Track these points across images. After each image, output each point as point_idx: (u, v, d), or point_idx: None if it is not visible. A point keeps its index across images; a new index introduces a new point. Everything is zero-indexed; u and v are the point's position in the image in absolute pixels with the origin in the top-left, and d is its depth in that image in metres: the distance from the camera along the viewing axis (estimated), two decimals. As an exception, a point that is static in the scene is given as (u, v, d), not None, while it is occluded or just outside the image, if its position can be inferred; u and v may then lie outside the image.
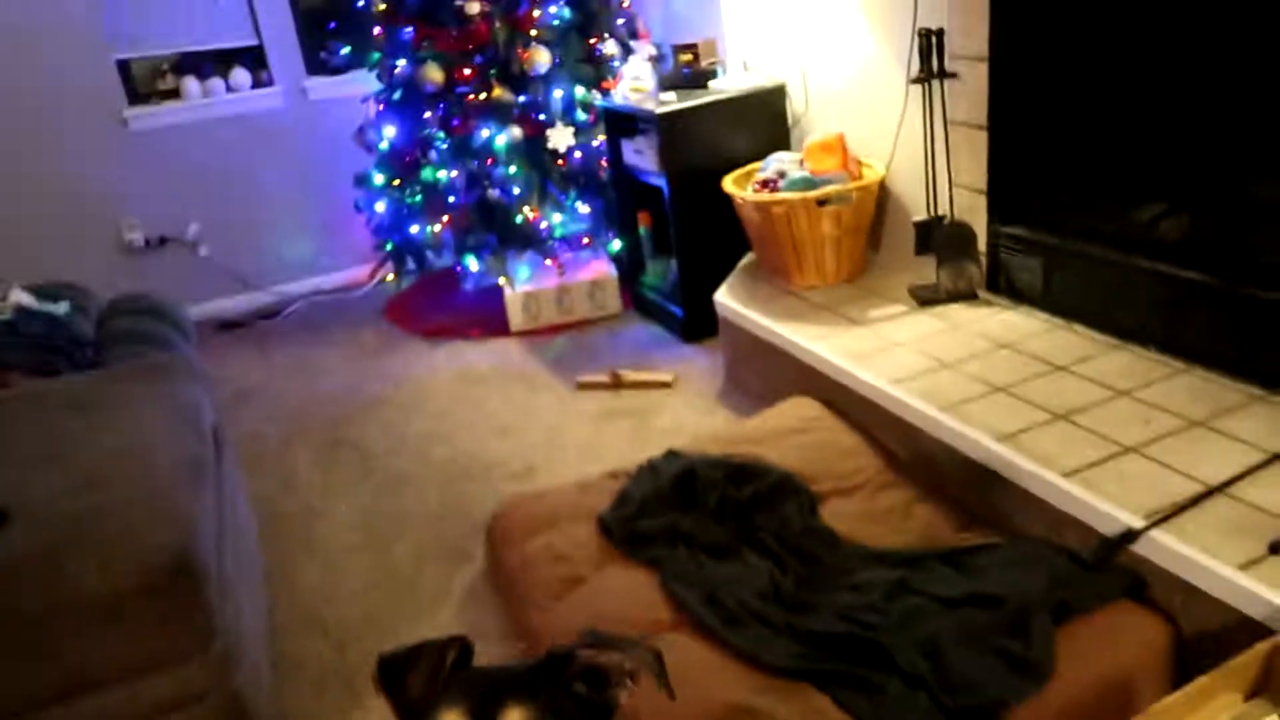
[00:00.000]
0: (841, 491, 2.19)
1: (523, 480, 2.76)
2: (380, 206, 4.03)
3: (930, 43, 2.61)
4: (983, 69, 2.54)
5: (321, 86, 4.56)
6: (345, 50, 4.44)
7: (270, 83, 4.49)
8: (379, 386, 3.54)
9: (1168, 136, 2.21)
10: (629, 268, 3.87)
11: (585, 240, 3.89)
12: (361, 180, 4.05)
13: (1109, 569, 1.71)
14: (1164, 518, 1.68)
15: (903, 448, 2.30)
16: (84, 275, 4.17)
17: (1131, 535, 1.67)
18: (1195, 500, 1.71)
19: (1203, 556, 1.59)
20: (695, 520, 2.10)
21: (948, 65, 2.62)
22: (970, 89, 2.59)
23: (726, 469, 2.24)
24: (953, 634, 1.66)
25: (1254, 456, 1.80)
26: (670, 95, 3.34)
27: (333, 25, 4.36)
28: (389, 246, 4.08)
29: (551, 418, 3.11)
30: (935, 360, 2.40)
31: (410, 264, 4.05)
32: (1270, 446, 1.82)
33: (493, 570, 2.28)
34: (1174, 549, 1.63)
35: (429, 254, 4.02)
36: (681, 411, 3.02)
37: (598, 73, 3.89)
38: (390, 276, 4.11)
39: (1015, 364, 2.31)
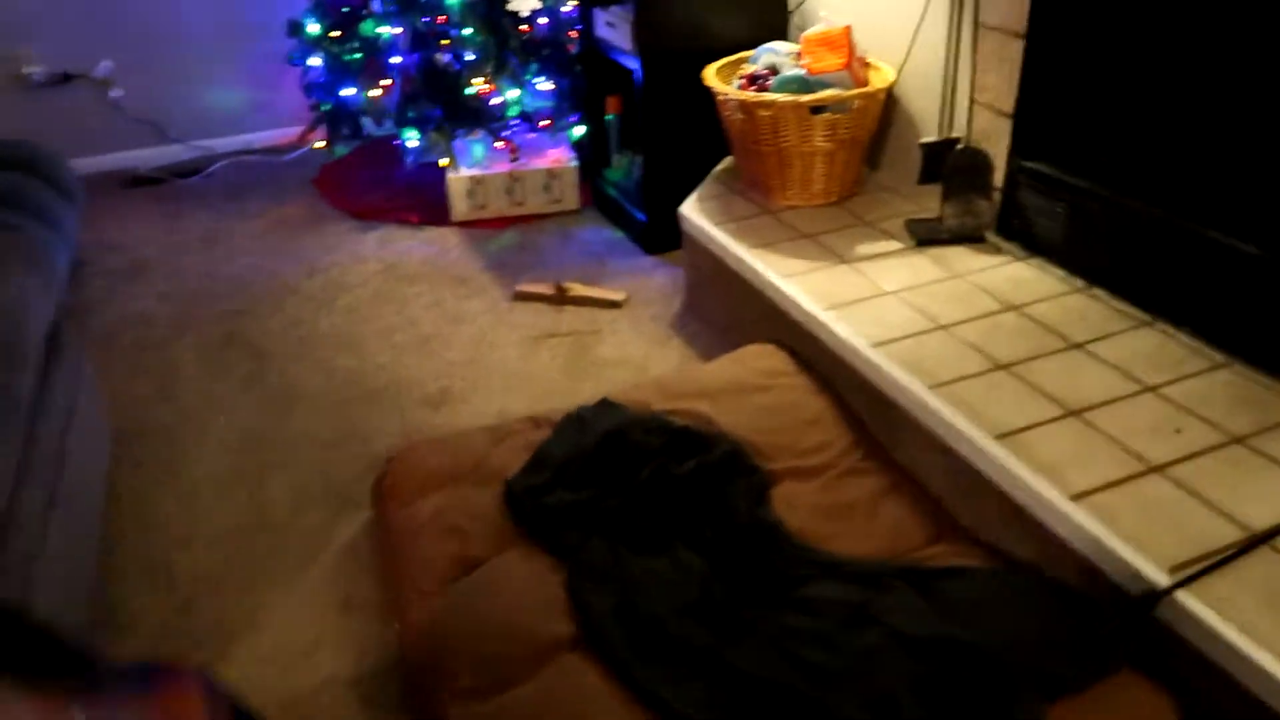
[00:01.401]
0: (800, 473, 1.83)
1: (435, 407, 2.38)
2: (315, 61, 3.49)
3: (969, -77, 2.12)
4: (1029, -37, 2.06)
5: (259, -90, 3.93)
6: None
7: (196, -100, 3.85)
8: (293, 271, 3.10)
9: (1237, 75, 1.76)
10: (592, 159, 3.39)
11: (544, 122, 3.39)
12: (295, 28, 3.50)
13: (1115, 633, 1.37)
14: (1194, 575, 1.33)
15: (877, 423, 1.93)
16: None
17: (1153, 598, 1.32)
18: (1234, 552, 1.37)
19: (1236, 635, 1.25)
20: (621, 499, 1.74)
21: (987, -46, 2.14)
22: (1010, -13, 2.12)
23: (666, 433, 1.87)
24: (913, 695, 1.32)
25: (1309, 496, 1.45)
26: (652, -41, 2.81)
27: None
28: (324, 108, 3.57)
29: (480, 330, 2.70)
30: (928, 319, 2.01)
31: (345, 131, 3.54)
32: (1330, 485, 1.47)
33: (379, 528, 1.92)
34: (1200, 617, 1.29)
35: (366, 122, 3.51)
36: (629, 339, 2.62)
37: (575, -77, 3.32)
38: (321, 143, 3.61)
39: (1023, 333, 1.93)
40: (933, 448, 1.76)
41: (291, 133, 4.24)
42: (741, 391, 2.04)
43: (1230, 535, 1.40)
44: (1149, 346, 1.86)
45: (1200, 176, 1.86)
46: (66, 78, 3.91)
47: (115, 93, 4.00)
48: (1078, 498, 1.49)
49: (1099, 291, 2.05)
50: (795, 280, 2.21)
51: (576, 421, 1.96)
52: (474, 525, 1.72)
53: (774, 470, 1.83)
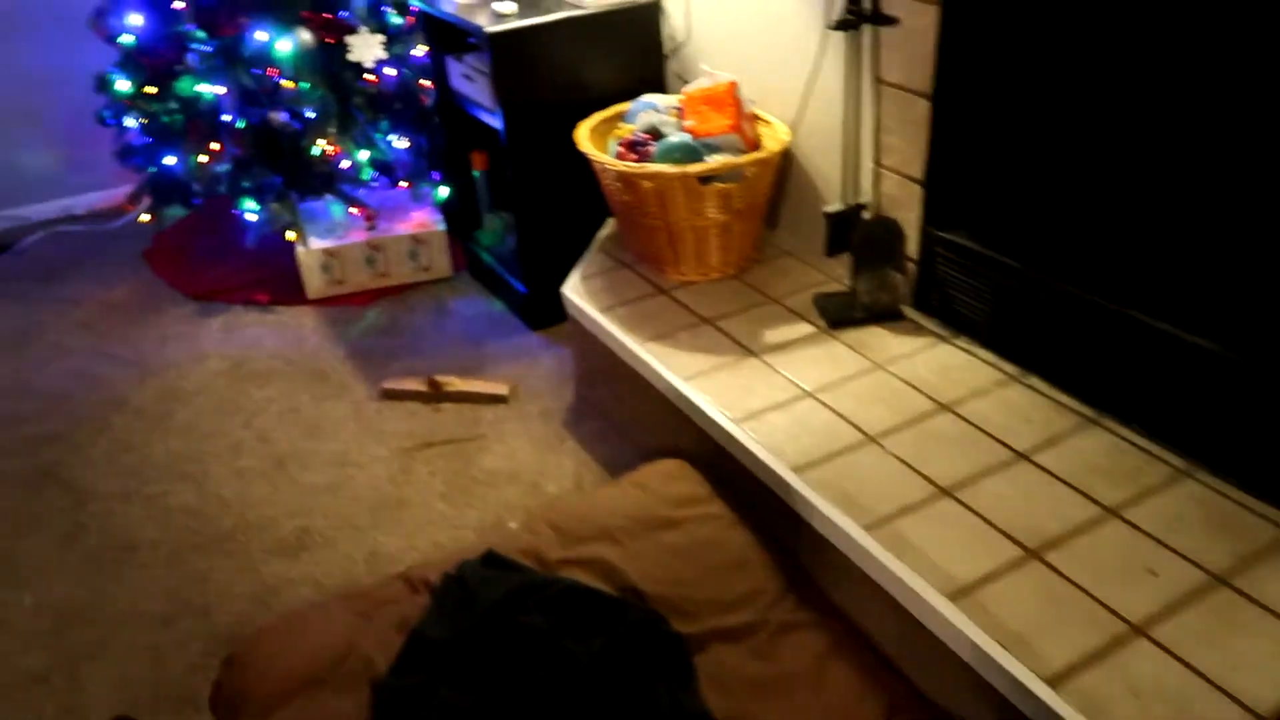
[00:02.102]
0: (727, 634, 1.57)
1: (292, 556, 2.03)
2: (130, 122, 3.04)
3: (863, -29, 1.88)
4: (932, 14, 1.83)
5: (56, -55, 3.42)
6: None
7: (-24, -63, 3.32)
8: (121, 377, 2.67)
9: (1195, 136, 1.57)
10: (461, 220, 3.05)
11: (403, 183, 3.04)
12: (103, 84, 3.04)
13: None
14: (1210, 793, 1.12)
15: (810, 557, 1.68)
16: None
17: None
18: (1247, 751, 1.16)
19: None
20: (517, 700, 1.44)
21: (884, 5, 1.90)
22: (912, 40, 1.89)
23: (566, 601, 1.57)
24: None
25: (1313, 658, 1.26)
26: (509, 5, 2.49)
27: None
28: (150, 173, 3.12)
29: (344, 445, 2.35)
30: (854, 428, 1.77)
31: (173, 201, 3.10)
32: (1332, 639, 1.28)
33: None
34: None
35: (196, 190, 3.08)
36: (517, 444, 2.31)
37: (419, -42, 2.96)
38: (145, 218, 3.16)
39: (961, 442, 1.71)
40: (877, 597, 1.52)
41: (118, 193, 3.75)
42: (650, 528, 1.76)
43: (1236, 722, 1.20)
44: (1099, 452, 1.66)
45: (1145, 259, 1.66)
46: None
47: (-103, 164, 3.45)
48: (1057, 680, 1.27)
49: (1035, 380, 1.85)
50: (699, 383, 1.94)
51: (457, 589, 1.64)
52: (338, 758, 1.39)
53: (696, 634, 1.56)
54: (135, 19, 2.88)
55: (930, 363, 1.93)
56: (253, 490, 2.21)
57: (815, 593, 1.65)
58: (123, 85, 2.96)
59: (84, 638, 1.86)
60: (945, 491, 1.60)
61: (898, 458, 1.69)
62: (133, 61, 2.95)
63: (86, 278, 3.25)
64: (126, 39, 2.93)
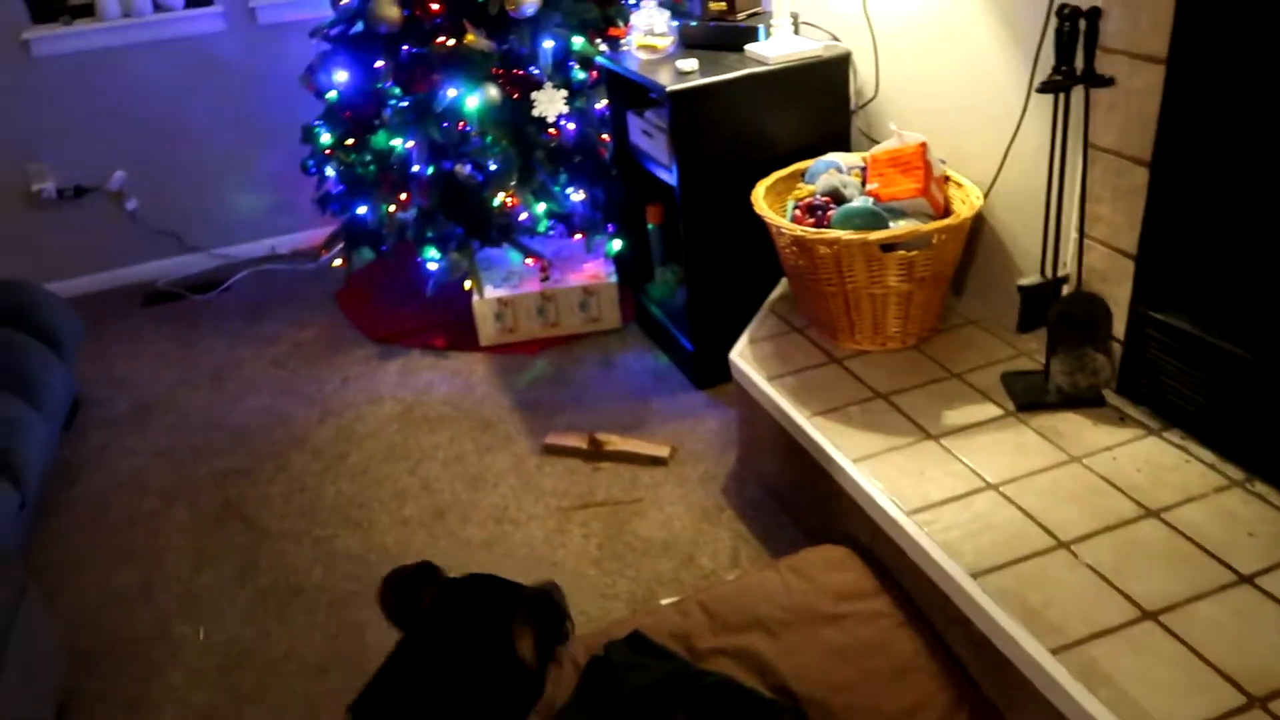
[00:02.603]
0: (887, 752, 1.43)
1: (447, 611, 2.02)
2: (330, 171, 3.21)
3: (1075, 28, 1.72)
4: (1155, 75, 1.65)
5: (274, 8, 3.69)
6: (300, -36, 3.58)
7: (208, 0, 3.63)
8: (304, 416, 2.80)
9: None
10: (633, 272, 3.04)
11: (578, 235, 3.06)
12: (308, 135, 3.23)
13: None
14: None
15: (986, 674, 1.51)
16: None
17: None
18: None
19: None
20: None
21: (1099, 65, 1.73)
22: (1131, 103, 1.71)
23: (712, 700, 1.48)
24: None
25: None
26: (691, 62, 2.45)
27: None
28: (344, 219, 3.28)
29: (503, 499, 2.35)
30: (1043, 530, 1.59)
31: (364, 247, 3.24)
32: None
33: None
34: None
35: (384, 236, 3.20)
36: (674, 510, 2.24)
37: (605, 14, 2.99)
38: (338, 262, 3.32)
39: (1171, 557, 1.50)
40: (1063, 733, 1.34)
41: (317, 235, 3.98)
42: (809, 621, 1.64)
43: None
44: (1345, 581, 1.42)
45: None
46: (79, 191, 3.71)
47: (130, 204, 3.79)
48: None
49: (1262, 487, 1.61)
50: (869, 466, 1.80)
51: (602, 675, 1.58)
52: None
53: (854, 749, 1.43)
54: (341, 75, 3.05)
55: (1136, 458, 1.72)
56: (414, 540, 2.24)
57: (990, 712, 1.49)
58: (325, 137, 3.13)
59: (247, 679, 1.92)
60: (1150, 615, 1.40)
61: (1094, 569, 1.50)
62: (335, 115, 3.12)
63: (283, 316, 3.45)
64: (331, 94, 3.10)
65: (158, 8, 3.58)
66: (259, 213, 3.98)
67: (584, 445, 2.45)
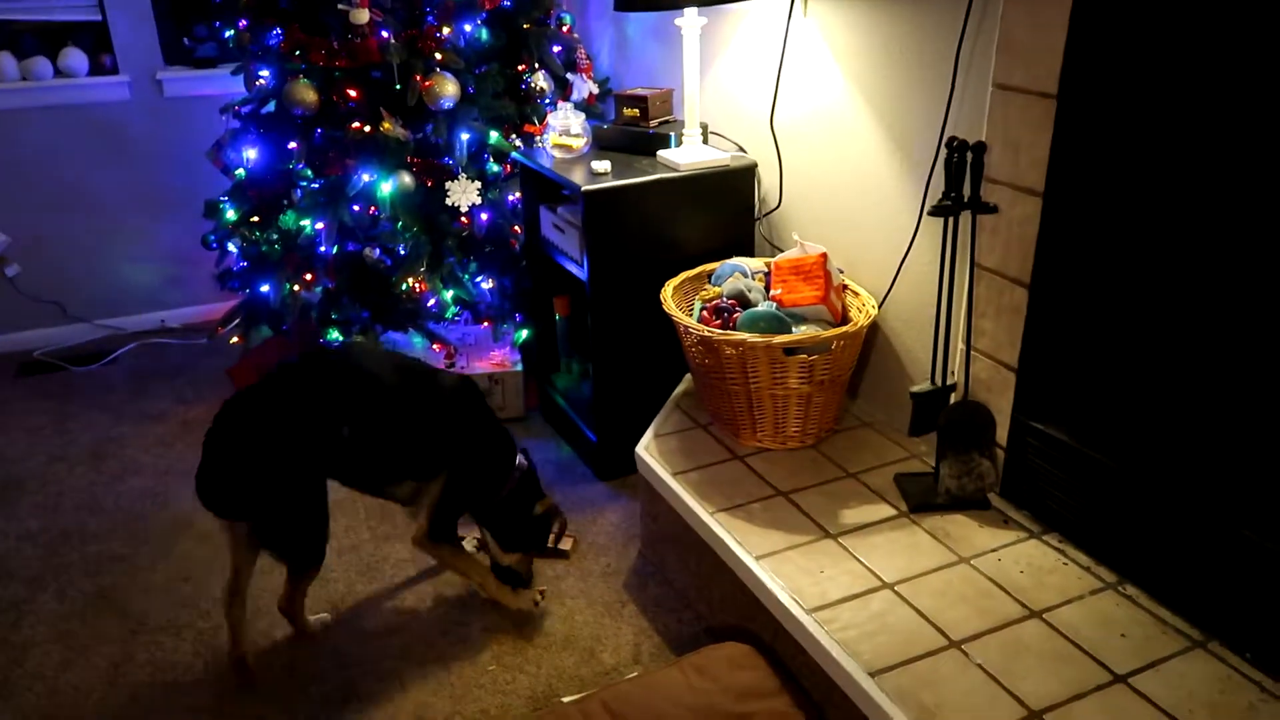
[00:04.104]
0: None
1: (336, 709, 1.95)
2: (232, 248, 3.16)
3: (964, 159, 1.87)
4: (1033, 205, 1.80)
5: (182, 82, 3.67)
6: (212, 41, 3.58)
7: (114, 69, 3.57)
8: (189, 498, 2.67)
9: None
10: (539, 362, 3.07)
11: (485, 323, 3.08)
12: (211, 210, 3.19)
13: None
14: None
15: (882, 774, 1.55)
16: None
17: None
18: None
19: None
20: None
21: (984, 193, 1.89)
22: (1012, 229, 1.86)
23: (617, 801, 1.47)
24: None
25: None
26: (604, 164, 2.54)
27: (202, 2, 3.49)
28: (245, 296, 3.22)
29: (400, 587, 2.30)
30: (936, 630, 1.66)
31: (262, 327, 3.19)
32: None
33: None
34: None
35: (285, 316, 3.15)
36: (576, 605, 2.23)
37: (521, 111, 3.08)
38: (235, 339, 3.25)
39: (1053, 658, 1.58)
40: (957, 832, 1.39)
41: (213, 309, 3.88)
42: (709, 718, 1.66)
43: None
44: (1207, 681, 1.52)
45: (1257, 469, 1.56)
46: (-44, 255, 3.55)
47: (10, 269, 3.63)
48: None
49: (1133, 590, 1.72)
50: (771, 563, 1.85)
51: (505, 775, 1.55)
52: None
53: None
54: (251, 153, 3.03)
55: (1019, 560, 1.82)
56: (296, 647, 2.16)
57: (888, 814, 1.52)
58: (230, 213, 3.09)
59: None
60: (1035, 714, 1.47)
61: (983, 669, 1.57)
62: (242, 192, 3.09)
63: (170, 393, 3.33)
64: (240, 171, 3.08)
65: (59, 73, 3.50)
66: (151, 285, 3.87)
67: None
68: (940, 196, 1.90)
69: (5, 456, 2.94)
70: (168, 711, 1.96)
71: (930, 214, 1.92)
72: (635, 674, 1.98)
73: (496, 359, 3.06)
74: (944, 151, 1.90)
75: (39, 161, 3.55)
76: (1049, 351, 1.88)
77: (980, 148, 1.85)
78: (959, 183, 1.88)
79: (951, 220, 1.93)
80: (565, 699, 1.88)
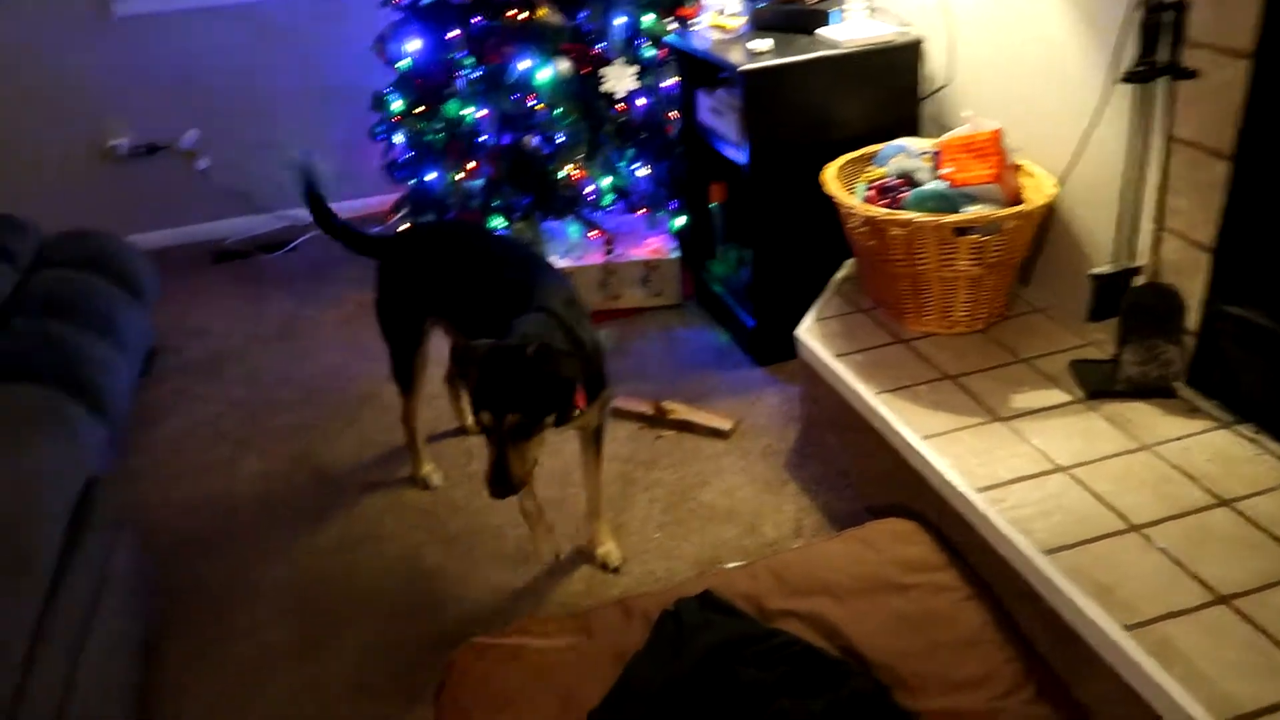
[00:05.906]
0: (956, 717, 1.48)
1: (514, 566, 2.10)
2: (399, 138, 3.28)
3: (1158, 21, 1.73)
4: (1240, 68, 1.66)
5: (345, -24, 3.75)
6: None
7: (284, -31, 3.69)
8: (370, 372, 2.86)
9: None
10: (694, 249, 3.08)
11: (642, 210, 3.10)
12: (378, 102, 3.30)
13: None
14: None
15: (1054, 648, 1.56)
16: (56, 186, 3.58)
17: None
18: None
19: None
20: (731, 754, 1.42)
21: (1183, 58, 1.75)
22: (1214, 96, 1.72)
23: (785, 658, 1.53)
24: None
25: None
26: (764, 42, 2.48)
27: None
28: (411, 186, 3.35)
29: (569, 461, 2.40)
30: (1114, 513, 1.62)
31: (430, 216, 3.31)
32: None
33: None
34: None
35: (450, 204, 3.26)
36: (737, 481, 2.29)
37: (676, -6, 3.02)
38: (405, 226, 3.38)
39: (1242, 545, 1.53)
40: (1134, 706, 1.39)
41: (382, 201, 4.04)
42: (875, 590, 1.69)
43: None
44: None
45: None
46: (152, 149, 3.81)
47: (201, 163, 3.88)
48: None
49: (1333, 480, 1.64)
50: (937, 444, 1.85)
51: (673, 629, 1.63)
52: (550, 786, 1.41)
53: (922, 712, 1.48)
54: (414, 44, 3.10)
55: (1205, 449, 1.75)
56: (481, 495, 2.30)
57: (1057, 686, 1.53)
58: (396, 104, 3.19)
59: (322, 621, 2.00)
60: (1223, 599, 1.44)
61: (1165, 553, 1.53)
62: (407, 83, 3.18)
63: (346, 280, 3.52)
64: (404, 63, 3.16)
65: (234, -28, 3.65)
66: (325, 177, 4.04)
67: (649, 411, 2.50)
68: (1134, 62, 1.78)
69: (208, 331, 3.21)
70: (362, 558, 2.14)
71: (1124, 81, 1.80)
72: (797, 546, 2.03)
73: (653, 246, 3.09)
74: (1138, 12, 1.76)
75: (222, 60, 3.73)
76: (1251, 230, 1.76)
77: (1181, 6, 1.71)
78: (1153, 46, 1.75)
79: (1145, 90, 1.81)
80: (729, 565, 1.95)
